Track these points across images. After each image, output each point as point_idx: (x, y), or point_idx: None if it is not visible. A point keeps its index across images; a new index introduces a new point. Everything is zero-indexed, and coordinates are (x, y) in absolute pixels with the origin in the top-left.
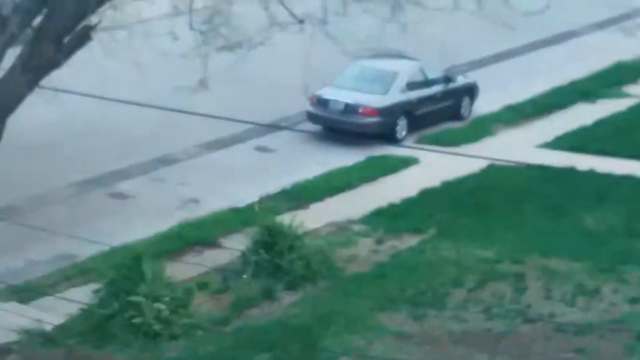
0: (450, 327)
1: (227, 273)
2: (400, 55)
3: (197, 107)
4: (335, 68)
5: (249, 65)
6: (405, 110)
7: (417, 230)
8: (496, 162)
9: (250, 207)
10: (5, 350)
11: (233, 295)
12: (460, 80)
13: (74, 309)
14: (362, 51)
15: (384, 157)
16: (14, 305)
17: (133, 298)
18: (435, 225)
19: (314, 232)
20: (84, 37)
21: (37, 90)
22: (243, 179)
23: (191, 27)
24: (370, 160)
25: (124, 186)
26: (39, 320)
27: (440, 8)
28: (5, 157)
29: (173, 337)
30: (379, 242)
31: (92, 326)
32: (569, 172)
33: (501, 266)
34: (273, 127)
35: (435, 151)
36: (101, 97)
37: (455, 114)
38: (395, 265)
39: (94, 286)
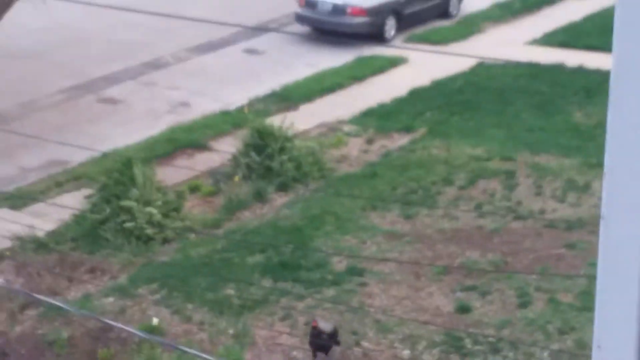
0: (442, 225)
1: (218, 176)
2: None
3: (185, 11)
4: None
5: None
6: (394, 9)
7: (407, 129)
8: (485, 60)
9: (240, 110)
10: None
11: (224, 197)
12: None
13: (66, 214)
14: None
15: (373, 57)
16: (6, 212)
17: (125, 203)
18: (425, 124)
19: (305, 134)
20: None
21: None
22: (233, 82)
23: None
24: (360, 61)
25: (113, 91)
26: (32, 227)
27: None
28: None
29: (165, 241)
30: (370, 141)
31: (84, 231)
32: (558, 69)
33: (491, 164)
34: (262, 29)
35: (424, 50)
36: (88, 3)
37: (443, 13)
38: (385, 165)
39: (86, 192)
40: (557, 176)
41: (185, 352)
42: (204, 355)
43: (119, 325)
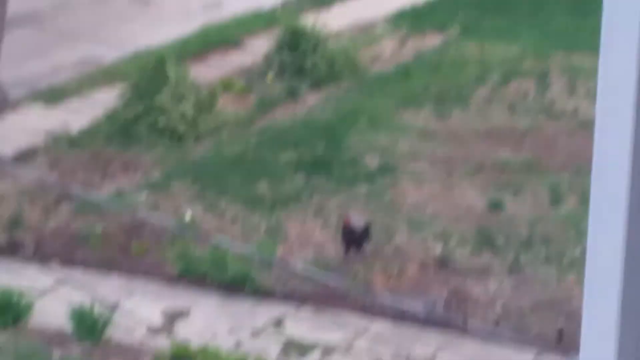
0: (475, 125)
1: (251, 74)
2: None
3: None
4: None
5: None
6: None
7: (440, 29)
8: None
9: (273, 9)
10: (32, 153)
11: (257, 95)
12: None
13: (99, 111)
14: None
15: None
16: (39, 109)
17: (157, 100)
18: (458, 24)
19: (338, 33)
20: None
21: None
22: None
23: None
24: None
25: None
26: (65, 123)
27: None
28: None
29: (198, 138)
30: (403, 41)
31: (117, 128)
32: None
33: (525, 63)
34: None
35: None
36: None
37: None
38: (418, 64)
39: (119, 89)
40: (591, 76)
41: (219, 245)
42: (238, 248)
43: (154, 218)
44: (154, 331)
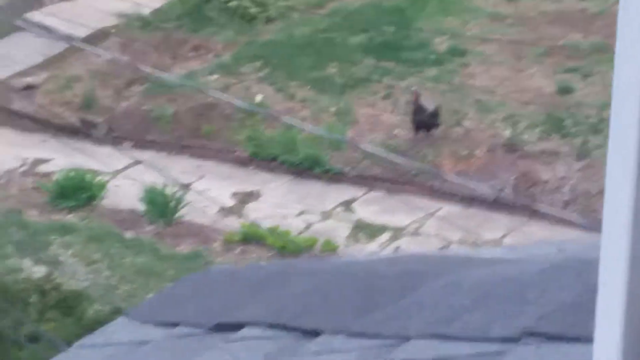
0: (545, 8)
1: None
2: None
3: None
4: None
5: None
6: None
7: None
8: None
9: None
10: (104, 34)
11: None
12: None
13: None
14: None
15: None
16: None
17: None
18: None
19: None
20: None
21: None
22: None
23: None
24: None
25: None
26: (137, 4)
27: None
28: None
29: (269, 20)
30: None
31: (189, 10)
32: None
33: None
34: None
35: None
36: None
37: None
38: None
39: None
40: None
41: (289, 128)
42: (309, 127)
43: (226, 97)
44: (225, 212)
